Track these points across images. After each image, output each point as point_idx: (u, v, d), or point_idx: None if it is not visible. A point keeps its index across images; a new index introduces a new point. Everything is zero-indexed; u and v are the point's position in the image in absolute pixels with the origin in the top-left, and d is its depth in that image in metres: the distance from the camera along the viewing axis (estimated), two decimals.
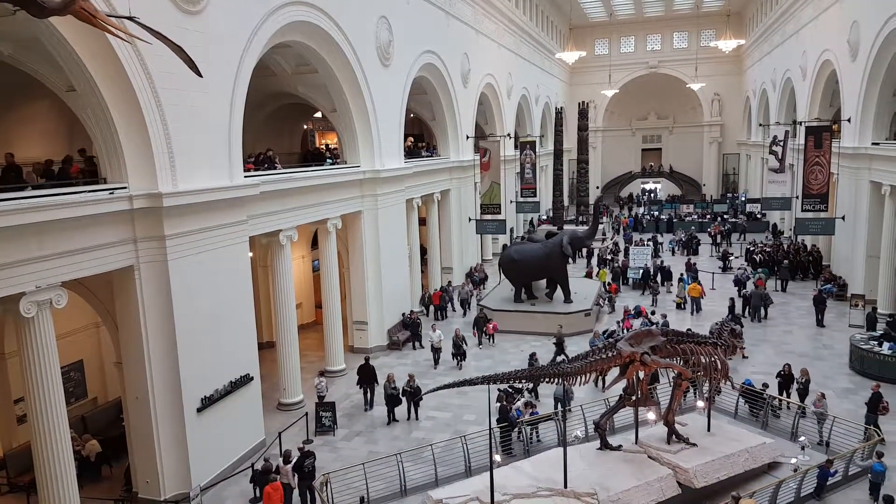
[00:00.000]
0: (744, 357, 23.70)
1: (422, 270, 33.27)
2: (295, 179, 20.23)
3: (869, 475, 14.96)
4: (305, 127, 34.74)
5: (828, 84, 36.01)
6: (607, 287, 32.61)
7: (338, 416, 19.48)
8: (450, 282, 34.09)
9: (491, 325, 26.54)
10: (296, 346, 20.71)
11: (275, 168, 20.52)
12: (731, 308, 27.52)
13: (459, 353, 23.81)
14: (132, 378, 15.04)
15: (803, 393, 19.24)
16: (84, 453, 16.83)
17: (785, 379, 19.91)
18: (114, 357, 16.46)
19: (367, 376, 21.12)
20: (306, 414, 19.19)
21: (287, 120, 30.85)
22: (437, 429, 19.10)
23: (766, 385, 19.20)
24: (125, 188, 13.99)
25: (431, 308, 30.40)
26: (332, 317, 23.37)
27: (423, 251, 34.04)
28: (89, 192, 13.25)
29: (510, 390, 19.35)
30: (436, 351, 24.13)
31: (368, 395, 21.07)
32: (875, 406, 17.73)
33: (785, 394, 19.66)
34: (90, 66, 13.26)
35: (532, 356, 22.55)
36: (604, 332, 24.91)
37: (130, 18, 5.79)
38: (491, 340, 26.38)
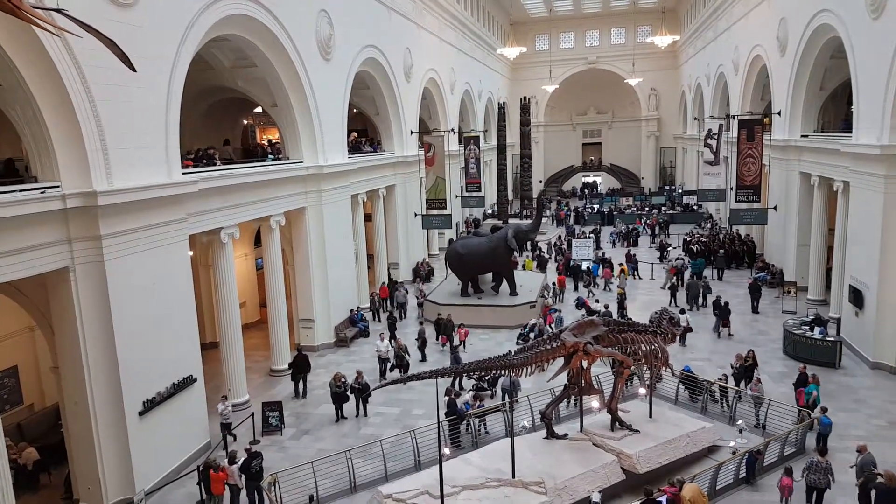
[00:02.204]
0: (730, 335, 25.45)
1: (368, 267, 33.06)
2: (235, 176, 19.85)
3: (819, 428, 16.17)
4: (246, 122, 34.13)
5: (759, 78, 37.21)
6: (555, 281, 32.98)
7: (285, 415, 19.25)
8: (404, 283, 33.88)
9: (463, 331, 24.84)
10: (240, 345, 20.40)
11: (214, 164, 20.10)
12: (621, 304, 27.97)
13: (402, 366, 22.35)
14: (70, 383, 14.55)
15: (740, 377, 19.86)
16: (21, 461, 16.20)
17: (748, 367, 19.93)
18: (50, 361, 15.90)
19: (299, 367, 21.29)
20: (252, 414, 18.91)
21: (226, 115, 30.26)
22: (386, 424, 19.07)
23: (724, 376, 19.61)
24: (57, 187, 13.49)
25: (381, 310, 29.79)
26: (278, 315, 23.06)
27: (370, 257, 33.67)
28: (19, 191, 12.73)
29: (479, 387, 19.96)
30: (383, 361, 22.59)
31: (301, 385, 21.34)
32: (801, 386, 18.50)
33: (744, 381, 19.87)
34: (17, 61, 12.72)
35: (455, 349, 22.82)
36: (525, 327, 24.95)
37: (59, 10, 5.55)
38: (462, 347, 24.29)
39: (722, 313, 25.74)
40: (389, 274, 34.25)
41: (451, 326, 24.78)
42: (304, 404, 20.84)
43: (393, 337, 24.72)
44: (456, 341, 24.36)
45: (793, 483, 14.04)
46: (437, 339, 25.40)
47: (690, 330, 25.21)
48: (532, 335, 23.54)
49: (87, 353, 14.32)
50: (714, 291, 30.55)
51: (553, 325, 25.02)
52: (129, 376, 14.88)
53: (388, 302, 30.70)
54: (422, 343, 24.18)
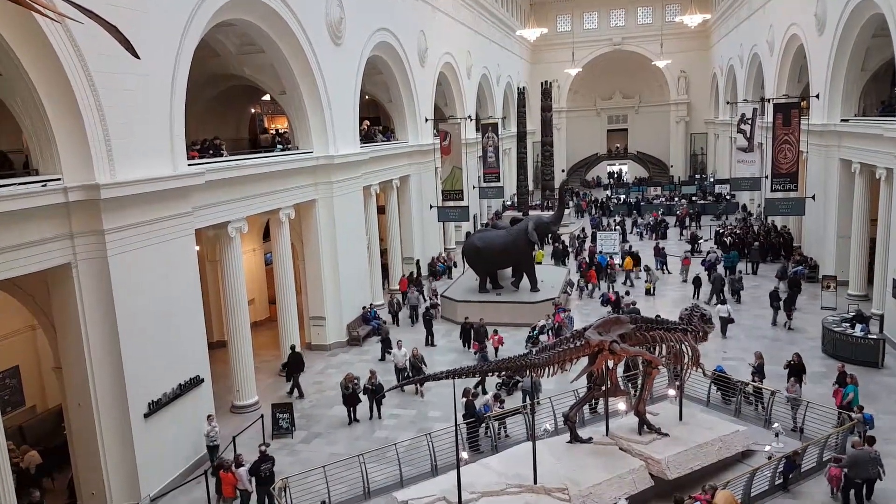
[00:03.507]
0: (789, 329, 25.51)
1: (382, 263, 33.13)
2: (243, 167, 20.00)
3: (867, 426, 16.32)
4: (253, 111, 34.31)
5: (796, 59, 36.77)
6: (585, 275, 32.72)
7: (295, 417, 19.40)
8: (422, 279, 34.03)
9: (497, 338, 23.90)
10: (249, 344, 20.56)
11: (220, 155, 20.26)
12: (616, 303, 27.60)
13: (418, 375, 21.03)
14: (73, 383, 14.75)
15: (759, 377, 19.61)
16: (23, 465, 16.42)
17: (794, 369, 19.36)
18: (52, 361, 16.13)
19: (293, 365, 21.59)
20: (262, 416, 19.06)
21: (233, 104, 30.43)
22: (401, 427, 19.15)
23: (753, 379, 19.46)
24: (59, 180, 13.66)
25: (399, 312, 29.22)
26: (287, 313, 23.25)
27: (383, 252, 33.75)
28: (20, 184, 12.90)
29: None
30: (400, 371, 21.88)
31: (296, 384, 21.63)
32: (840, 385, 18.33)
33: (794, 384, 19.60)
34: (17, 49, 12.89)
35: (482, 349, 22.82)
36: (532, 329, 24.58)
37: None
38: (496, 353, 23.66)
39: (786, 304, 25.86)
40: (418, 268, 34.55)
41: (483, 332, 23.83)
42: (314, 405, 21.00)
43: (430, 335, 25.18)
44: (489, 349, 23.74)
45: (842, 473, 14.11)
46: (464, 345, 24.80)
47: (732, 321, 25.15)
48: (543, 337, 23.43)
49: (91, 352, 14.50)
50: (747, 286, 30.35)
51: (565, 326, 24.78)
52: (133, 377, 15.05)
53: (403, 297, 30.78)
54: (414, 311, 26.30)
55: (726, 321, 25.03)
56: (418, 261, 35.11)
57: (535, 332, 24.13)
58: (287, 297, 23.24)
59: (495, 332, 24.34)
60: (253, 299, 27.24)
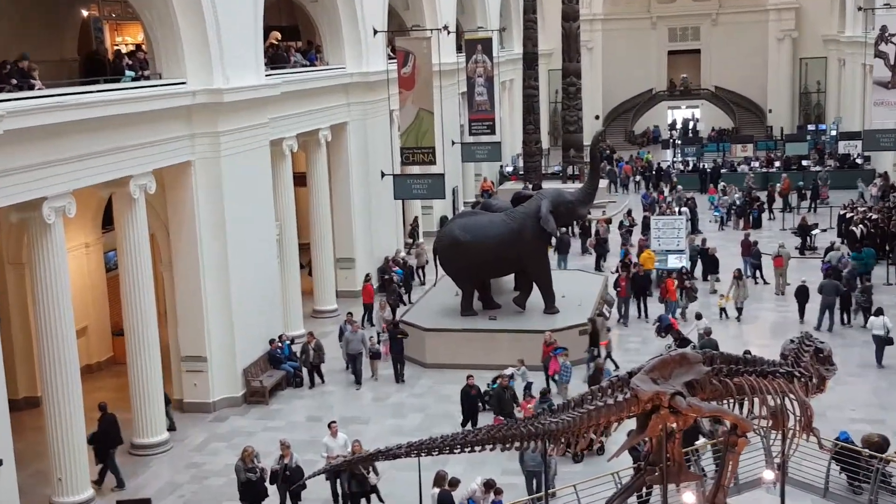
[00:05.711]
0: None
1: (303, 266, 32.90)
2: (68, 107, 19.67)
3: None
4: (86, 14, 33.88)
5: None
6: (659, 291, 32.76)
7: None
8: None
9: (529, 405, 23.24)
10: (78, 403, 20.38)
11: (31, 87, 19.97)
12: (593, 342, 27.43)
13: (363, 490, 20.01)
14: None
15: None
16: None
17: None
18: None
19: (104, 436, 21.46)
20: None
21: (53, 4, 30.04)
22: None
23: None
24: None
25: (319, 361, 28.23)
26: (144, 351, 23.03)
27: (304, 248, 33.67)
28: None
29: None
30: (333, 476, 20.38)
31: (108, 468, 21.59)
32: None
33: None
34: None
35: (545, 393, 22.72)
36: (494, 380, 24.35)
37: None
38: None
39: None
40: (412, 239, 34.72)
41: (511, 400, 23.94)
42: (188, 501, 20.86)
43: (400, 366, 26.10)
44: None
45: None
46: (466, 421, 24.01)
47: (891, 342, 25.61)
48: (516, 387, 23.60)
49: None
50: (889, 303, 30.40)
51: (559, 377, 24.85)
52: None
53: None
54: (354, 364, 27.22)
55: (882, 342, 25.35)
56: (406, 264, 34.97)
57: (496, 386, 23.81)
58: (143, 325, 23.02)
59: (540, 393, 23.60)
60: (86, 327, 27.10)
